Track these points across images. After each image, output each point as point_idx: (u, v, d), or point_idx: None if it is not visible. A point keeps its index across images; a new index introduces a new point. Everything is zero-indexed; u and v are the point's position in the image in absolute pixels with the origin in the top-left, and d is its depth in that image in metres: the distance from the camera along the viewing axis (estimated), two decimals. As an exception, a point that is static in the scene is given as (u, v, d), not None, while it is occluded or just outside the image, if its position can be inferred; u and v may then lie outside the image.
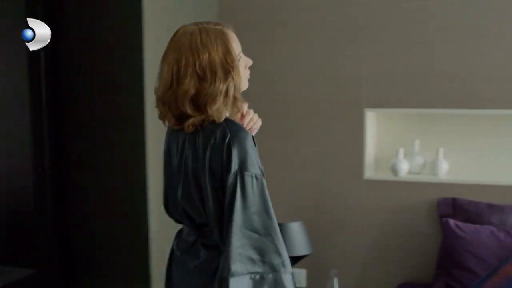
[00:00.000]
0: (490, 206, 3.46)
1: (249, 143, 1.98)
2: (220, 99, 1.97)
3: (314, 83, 3.80)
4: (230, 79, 1.98)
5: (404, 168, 3.65)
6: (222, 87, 1.96)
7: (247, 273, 1.91)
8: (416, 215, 3.62)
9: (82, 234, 3.95)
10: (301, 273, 3.83)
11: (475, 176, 3.61)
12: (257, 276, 1.92)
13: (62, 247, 3.97)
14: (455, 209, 3.50)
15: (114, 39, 3.70)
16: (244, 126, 2.14)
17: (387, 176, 3.72)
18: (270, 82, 3.88)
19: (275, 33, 3.87)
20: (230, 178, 1.94)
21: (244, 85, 2.11)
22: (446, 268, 3.37)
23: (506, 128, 3.60)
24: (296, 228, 3.51)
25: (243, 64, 2.10)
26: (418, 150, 3.71)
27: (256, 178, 1.96)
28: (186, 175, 2.07)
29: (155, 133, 3.63)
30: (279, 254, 1.95)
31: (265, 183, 1.98)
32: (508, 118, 3.57)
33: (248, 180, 1.95)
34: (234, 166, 1.94)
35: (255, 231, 1.94)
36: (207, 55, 1.96)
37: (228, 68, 1.97)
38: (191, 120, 2.00)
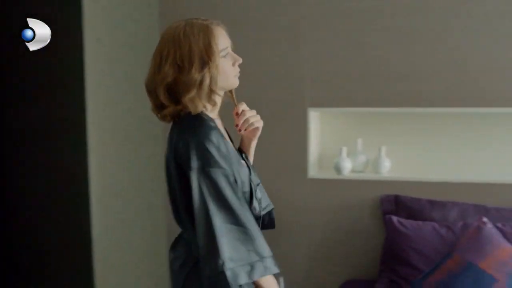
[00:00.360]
0: (431, 203, 3.52)
1: (209, 139, 1.97)
2: (193, 90, 1.99)
3: (256, 83, 3.79)
4: (206, 70, 2.00)
5: (347, 166, 3.69)
6: (197, 77, 1.98)
7: (241, 264, 1.93)
8: (359, 212, 3.66)
9: (23, 239, 3.85)
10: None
11: (417, 174, 3.67)
12: (248, 266, 1.93)
13: (2, 251, 3.86)
14: (398, 206, 3.55)
15: (55, 39, 3.61)
16: (238, 127, 2.19)
17: (330, 174, 3.75)
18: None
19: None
20: (193, 175, 1.94)
21: (233, 82, 2.15)
22: (389, 264, 3.41)
23: (447, 126, 3.69)
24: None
25: (230, 61, 2.11)
26: (361, 148, 3.75)
27: (221, 174, 1.96)
28: (167, 168, 2.10)
29: (97, 134, 3.57)
30: (259, 242, 1.97)
31: (230, 178, 1.98)
32: (449, 117, 3.65)
33: (211, 176, 1.95)
34: (194, 163, 1.94)
35: (233, 224, 1.95)
36: (187, 46, 1.99)
37: (206, 59, 1.99)
38: (166, 110, 2.03)
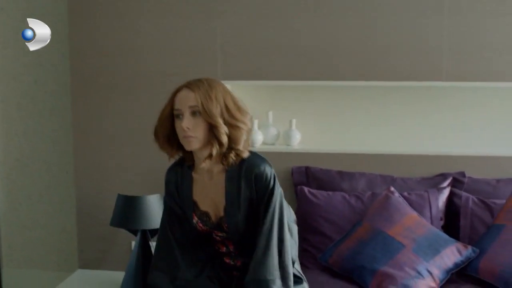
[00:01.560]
0: (340, 173, 3.61)
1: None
2: None
3: (167, 56, 3.75)
4: None
5: (259, 139, 3.72)
6: None
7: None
8: (271, 184, 3.69)
9: None
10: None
11: (326, 146, 3.75)
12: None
13: None
14: (309, 177, 3.62)
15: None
16: None
17: (242, 147, 3.76)
18: (120, 55, 3.80)
19: (120, 4, 3.80)
20: None
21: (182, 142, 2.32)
22: (301, 234, 3.47)
23: (356, 99, 3.78)
24: (154, 201, 3.48)
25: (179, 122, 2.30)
26: (272, 121, 3.79)
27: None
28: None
29: (2, 107, 3.43)
30: None
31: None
32: (357, 90, 3.74)
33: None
34: None
35: None
36: None
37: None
38: None
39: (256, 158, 2.35)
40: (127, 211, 3.45)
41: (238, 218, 2.34)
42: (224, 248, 2.47)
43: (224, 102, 2.26)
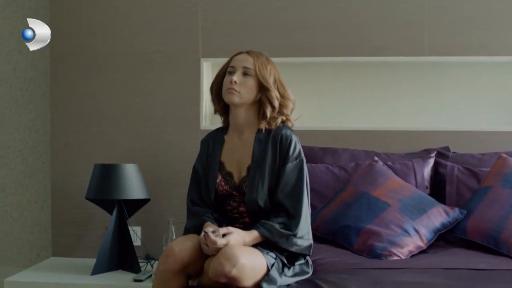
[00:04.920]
0: (323, 150, 3.54)
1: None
2: None
3: (146, 32, 3.73)
4: None
5: (240, 118, 3.66)
6: None
7: None
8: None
9: None
10: (137, 230, 3.66)
11: (308, 123, 3.65)
12: None
13: None
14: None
15: None
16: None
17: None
18: (100, 35, 3.77)
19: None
20: None
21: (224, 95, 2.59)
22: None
23: (339, 75, 3.77)
24: (131, 170, 3.37)
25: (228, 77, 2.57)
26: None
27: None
28: None
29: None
30: None
31: None
32: (339, 66, 3.71)
33: None
34: None
35: None
36: None
37: None
38: None
39: (285, 126, 2.59)
40: (104, 180, 3.33)
41: (258, 180, 2.49)
42: (237, 215, 2.57)
43: (277, 77, 2.57)
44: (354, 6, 3.60)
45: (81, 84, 3.79)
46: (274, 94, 2.51)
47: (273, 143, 2.52)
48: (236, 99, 2.51)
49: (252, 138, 2.57)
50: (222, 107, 2.64)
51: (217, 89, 2.61)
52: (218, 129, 2.72)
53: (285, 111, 2.57)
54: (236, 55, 2.61)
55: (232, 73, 2.53)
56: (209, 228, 2.36)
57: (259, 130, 2.57)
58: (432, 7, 3.56)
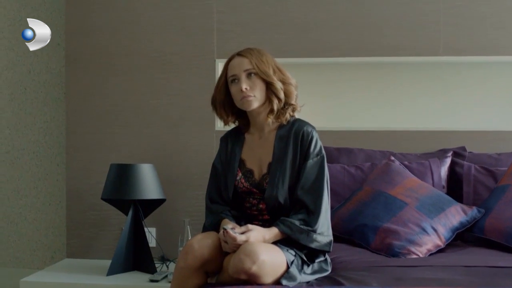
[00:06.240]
0: (338, 150, 3.53)
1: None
2: None
3: (161, 34, 3.74)
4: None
5: (256, 119, 3.65)
6: None
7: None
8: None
9: None
10: (152, 231, 3.65)
11: (324, 123, 3.67)
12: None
13: None
14: (307, 154, 3.53)
15: None
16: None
17: (238, 127, 3.70)
18: (115, 35, 3.78)
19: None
20: None
21: (239, 104, 2.55)
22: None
23: (355, 75, 3.74)
24: (147, 170, 3.37)
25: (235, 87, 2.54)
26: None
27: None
28: None
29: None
30: None
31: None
32: (357, 66, 3.70)
33: None
34: None
35: None
36: None
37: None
38: None
39: (306, 122, 2.58)
40: (120, 180, 3.33)
41: (279, 177, 2.48)
42: (256, 212, 2.56)
43: (274, 65, 2.54)
44: (368, 6, 3.60)
45: (96, 86, 3.80)
46: (278, 86, 2.50)
47: (294, 140, 2.52)
48: (254, 103, 2.50)
49: (273, 135, 2.57)
50: (233, 114, 2.63)
51: (222, 101, 2.59)
52: (237, 127, 2.71)
53: (290, 100, 2.55)
54: (228, 62, 2.57)
55: (235, 81, 2.51)
56: (228, 225, 2.35)
57: (280, 127, 2.57)
58: (447, 7, 3.55)
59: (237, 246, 2.27)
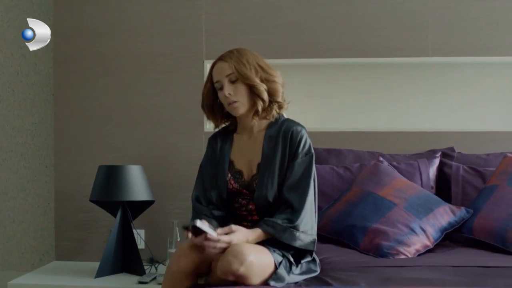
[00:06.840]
0: (327, 151, 3.53)
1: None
2: None
3: (150, 35, 3.73)
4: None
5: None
6: None
7: None
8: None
9: None
10: (141, 233, 3.64)
11: (312, 124, 3.64)
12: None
13: None
14: (296, 155, 3.53)
15: None
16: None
17: (227, 128, 3.69)
18: (104, 37, 3.78)
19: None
20: None
21: (227, 109, 2.56)
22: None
23: (343, 76, 3.74)
24: (136, 171, 3.36)
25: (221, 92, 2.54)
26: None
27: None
28: None
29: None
30: None
31: None
32: (345, 67, 3.71)
33: None
34: None
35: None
36: None
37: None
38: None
39: (295, 122, 2.57)
40: (109, 182, 3.32)
41: (268, 176, 2.47)
42: (245, 213, 2.55)
43: (257, 63, 2.50)
44: (359, 7, 3.60)
45: (85, 87, 3.79)
46: (261, 87, 2.47)
47: (283, 139, 2.51)
48: (241, 109, 2.51)
49: (262, 136, 2.56)
50: (223, 117, 2.65)
51: (210, 105, 2.61)
52: (226, 127, 2.70)
53: (276, 98, 2.53)
54: (212, 67, 2.56)
55: (221, 88, 2.51)
56: (197, 221, 2.25)
57: (269, 126, 2.56)
58: (436, 8, 3.56)
59: (219, 249, 2.26)
